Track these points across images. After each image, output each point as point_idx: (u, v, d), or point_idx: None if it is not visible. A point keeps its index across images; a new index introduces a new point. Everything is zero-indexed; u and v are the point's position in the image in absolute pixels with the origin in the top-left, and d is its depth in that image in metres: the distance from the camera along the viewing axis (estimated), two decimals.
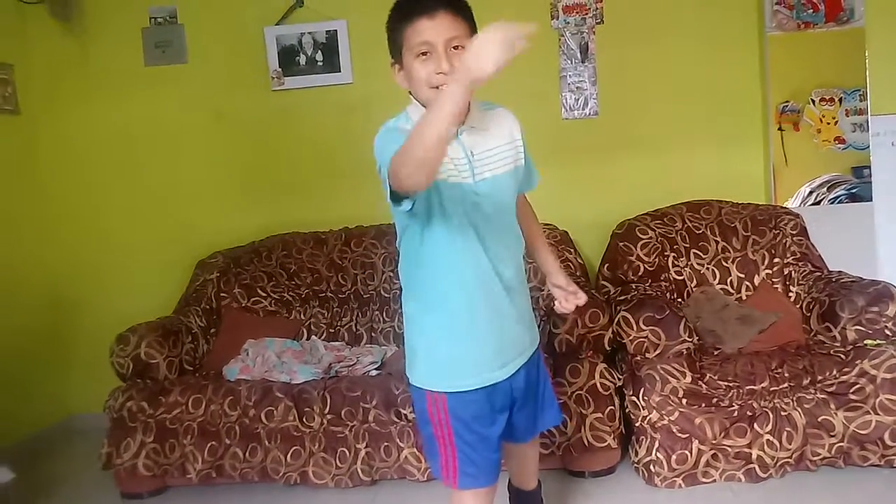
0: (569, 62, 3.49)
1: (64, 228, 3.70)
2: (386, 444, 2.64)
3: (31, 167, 3.65)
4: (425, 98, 1.49)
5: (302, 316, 3.31)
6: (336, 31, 3.52)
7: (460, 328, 1.60)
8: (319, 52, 3.55)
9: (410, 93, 1.59)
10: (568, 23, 3.47)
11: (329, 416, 2.65)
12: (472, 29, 1.49)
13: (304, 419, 2.65)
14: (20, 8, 3.62)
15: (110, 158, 3.66)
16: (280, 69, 3.56)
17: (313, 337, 3.22)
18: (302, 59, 3.56)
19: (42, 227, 3.67)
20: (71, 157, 3.69)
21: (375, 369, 2.90)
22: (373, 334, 3.27)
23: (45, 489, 2.96)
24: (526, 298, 1.73)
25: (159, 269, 3.62)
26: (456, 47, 1.43)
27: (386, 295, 3.29)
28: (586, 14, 3.46)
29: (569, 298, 1.77)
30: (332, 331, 3.28)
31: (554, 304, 1.82)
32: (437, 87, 1.44)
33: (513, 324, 1.66)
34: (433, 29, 1.42)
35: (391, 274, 3.29)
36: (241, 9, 3.58)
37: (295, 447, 2.66)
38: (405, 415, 2.62)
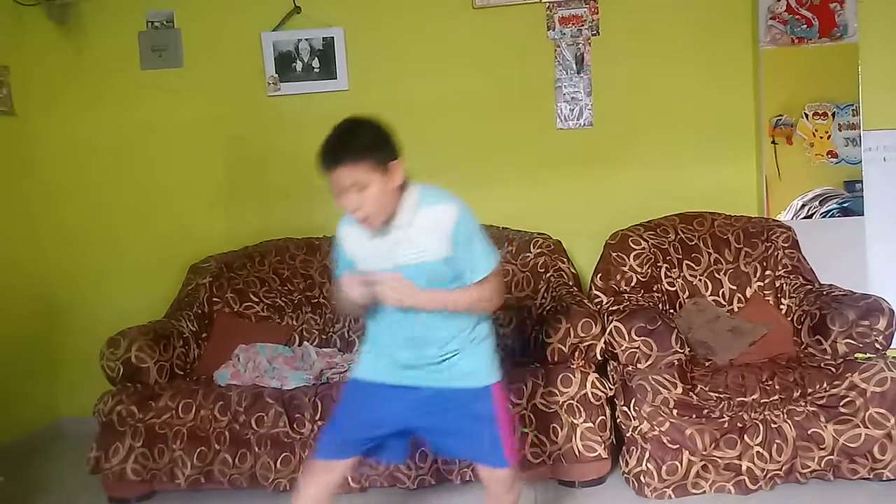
0: (564, 73, 3.51)
1: (57, 231, 3.69)
2: None
3: (24, 169, 3.63)
4: None
5: (294, 322, 3.31)
6: (333, 38, 3.53)
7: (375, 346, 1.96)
8: (316, 58, 3.56)
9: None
10: (564, 34, 3.49)
11: (320, 423, 2.63)
12: (378, 164, 1.75)
13: (295, 425, 2.64)
14: (17, 10, 3.61)
15: (104, 162, 3.65)
16: (276, 75, 3.56)
17: (305, 343, 3.22)
18: (298, 66, 3.57)
19: (35, 229, 3.66)
20: (65, 160, 3.68)
21: None
22: None
23: (32, 493, 2.94)
24: (452, 343, 1.87)
25: (152, 273, 3.61)
26: (361, 188, 1.73)
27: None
28: (582, 26, 3.48)
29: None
30: (324, 337, 3.27)
31: None
32: (360, 220, 1.78)
33: (413, 368, 1.88)
34: (335, 180, 1.75)
35: None
36: (238, 14, 3.59)
37: (285, 453, 2.65)
38: None
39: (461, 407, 1.87)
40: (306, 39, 3.55)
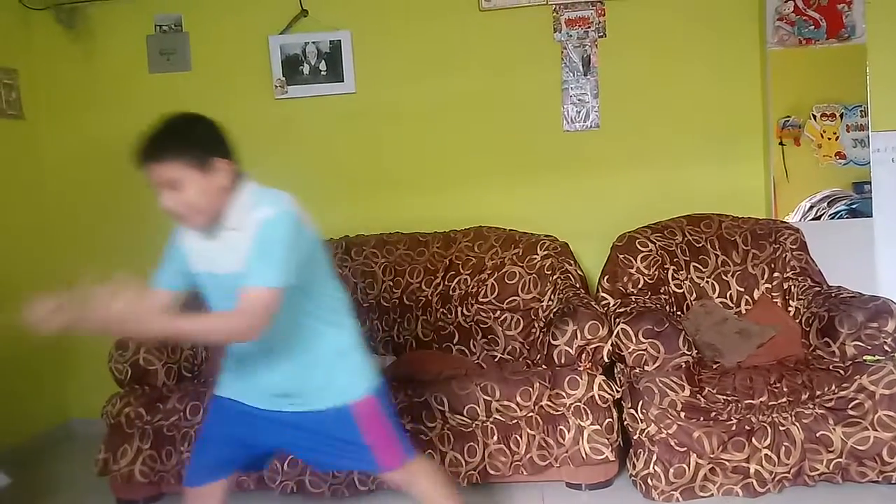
0: (571, 75, 3.51)
1: (66, 233, 3.71)
2: None
3: (34, 172, 3.66)
4: None
5: None
6: (340, 40, 3.54)
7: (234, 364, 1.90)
8: (323, 61, 3.57)
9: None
10: (570, 36, 3.49)
11: None
12: (193, 162, 1.67)
13: None
14: (26, 14, 3.64)
15: (113, 165, 3.63)
16: (283, 78, 3.58)
17: None
18: (305, 69, 3.58)
19: (44, 231, 3.68)
20: (74, 162, 3.70)
21: None
22: (371, 343, 3.26)
23: (41, 494, 2.95)
24: (295, 368, 1.81)
25: None
26: (174, 187, 1.67)
27: (385, 304, 3.29)
28: (589, 27, 3.48)
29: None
30: None
31: None
32: (177, 218, 1.72)
33: (261, 382, 1.83)
34: (149, 175, 1.68)
35: (391, 283, 3.30)
36: (245, 17, 3.60)
37: (292, 456, 2.65)
38: (403, 424, 2.60)
39: (324, 429, 1.82)
40: (313, 42, 3.56)
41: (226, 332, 1.72)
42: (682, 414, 2.50)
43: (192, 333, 1.74)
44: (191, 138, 1.72)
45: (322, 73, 3.57)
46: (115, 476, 2.73)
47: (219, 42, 3.62)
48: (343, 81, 3.56)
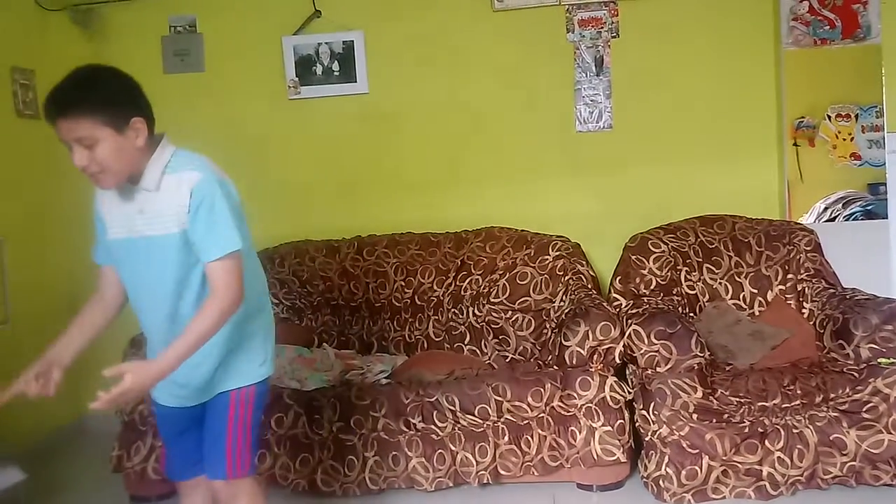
0: (584, 75, 3.50)
1: (84, 231, 3.73)
2: (394, 453, 2.64)
3: (50, 171, 3.68)
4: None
5: (313, 323, 3.32)
6: (353, 41, 3.55)
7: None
8: (336, 62, 3.58)
9: None
10: (583, 36, 3.49)
11: (338, 424, 2.65)
12: (106, 120, 1.58)
13: (314, 426, 2.66)
14: (42, 14, 3.67)
15: None
16: (297, 78, 3.59)
17: (324, 344, 3.23)
18: (318, 69, 3.59)
19: (62, 229, 3.71)
20: None
21: (385, 378, 2.91)
22: (383, 343, 3.27)
23: (55, 490, 2.98)
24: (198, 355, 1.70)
25: None
26: (87, 145, 1.57)
27: (397, 304, 3.30)
28: (602, 28, 3.48)
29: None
30: (342, 339, 3.29)
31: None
32: (89, 176, 1.63)
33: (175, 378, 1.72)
34: (60, 133, 1.58)
35: (402, 283, 3.31)
36: (259, 18, 3.62)
37: (304, 454, 2.66)
38: (414, 424, 2.62)
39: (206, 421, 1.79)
40: (326, 43, 3.58)
41: (219, 321, 1.63)
42: (695, 416, 2.49)
43: (199, 343, 1.61)
44: (107, 95, 1.62)
45: (335, 73, 3.59)
46: (129, 473, 2.76)
47: (233, 43, 3.64)
48: (356, 82, 3.57)
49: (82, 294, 3.79)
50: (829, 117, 3.33)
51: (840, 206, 3.34)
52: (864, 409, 2.47)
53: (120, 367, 1.61)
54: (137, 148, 1.62)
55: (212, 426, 1.79)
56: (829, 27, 3.31)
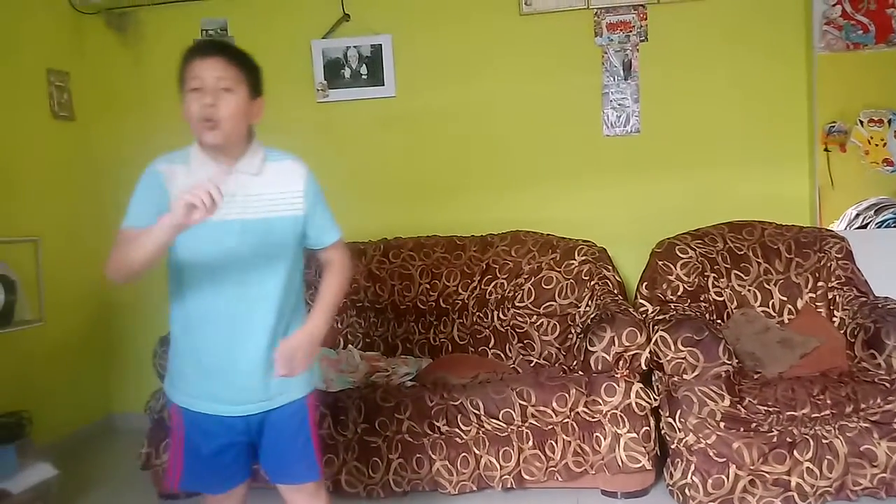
0: (611, 79, 3.49)
1: (114, 233, 3.79)
2: (418, 455, 2.66)
3: (83, 172, 3.76)
4: (193, 131, 1.66)
5: (339, 325, 3.35)
6: (381, 45, 3.57)
7: (195, 354, 1.73)
8: (364, 65, 3.61)
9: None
10: (612, 40, 3.47)
11: (363, 426, 2.67)
12: (250, 82, 1.67)
13: (339, 428, 2.68)
14: (78, 18, 3.75)
15: None
16: (325, 81, 3.62)
17: (350, 346, 3.26)
18: (347, 72, 3.62)
19: (93, 230, 3.78)
20: (122, 163, 3.76)
21: (410, 381, 2.92)
22: (408, 345, 3.28)
23: (85, 486, 3.03)
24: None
25: None
26: (225, 88, 1.62)
27: (422, 307, 3.31)
28: (630, 31, 3.46)
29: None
30: (367, 340, 3.31)
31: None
32: (207, 121, 1.61)
33: (243, 369, 1.70)
34: (203, 67, 1.62)
35: (428, 286, 3.32)
36: (289, 22, 3.66)
37: (328, 455, 2.68)
38: (438, 427, 2.63)
39: (285, 427, 1.78)
40: (355, 47, 3.60)
41: (347, 286, 1.84)
42: (722, 424, 2.47)
43: (337, 304, 1.77)
44: (254, 64, 1.73)
45: (363, 76, 3.61)
46: (158, 470, 2.79)
47: (262, 46, 3.61)
48: (383, 85, 3.59)
49: (115, 294, 3.90)
50: (862, 122, 3.28)
51: (872, 212, 3.28)
52: (895, 420, 2.43)
53: (288, 346, 1.66)
54: (251, 122, 1.70)
55: (296, 432, 1.78)
56: (862, 31, 3.26)
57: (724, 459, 2.46)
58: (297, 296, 1.80)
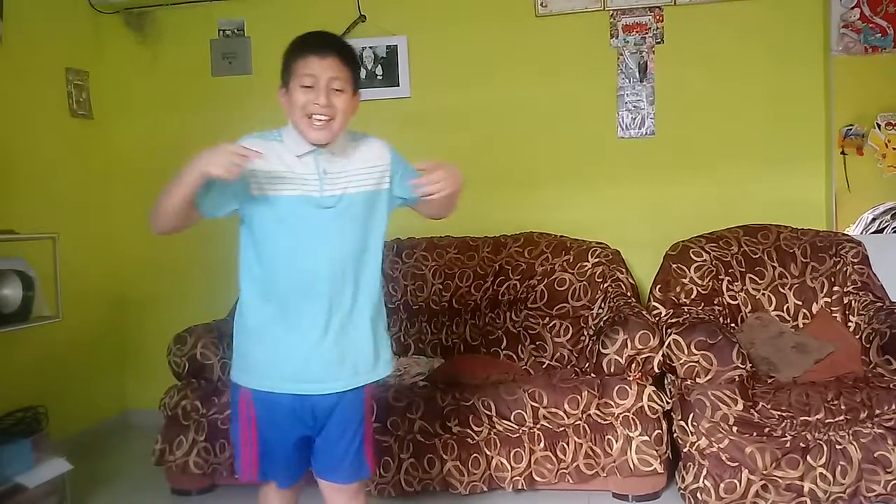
0: (627, 81, 3.48)
1: (131, 231, 3.84)
2: (430, 455, 2.66)
3: (101, 170, 3.80)
4: (296, 122, 1.70)
5: None
6: (396, 46, 3.59)
7: (275, 332, 1.71)
8: (379, 66, 3.62)
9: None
10: (627, 42, 3.47)
11: (375, 425, 2.67)
12: (354, 80, 1.72)
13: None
14: (97, 18, 3.79)
15: (177, 164, 3.75)
16: None
17: None
18: (362, 73, 3.62)
19: (111, 228, 3.82)
20: (140, 161, 3.82)
21: (422, 381, 2.92)
22: (420, 345, 3.29)
23: (99, 481, 3.06)
24: (362, 329, 1.75)
25: (217, 273, 3.71)
26: (336, 89, 1.67)
27: (435, 307, 3.32)
28: (646, 33, 3.45)
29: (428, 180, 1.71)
30: None
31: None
32: (310, 116, 1.66)
33: (326, 345, 1.70)
34: (320, 67, 1.65)
35: (440, 286, 3.32)
36: (305, 22, 3.62)
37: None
38: (450, 427, 2.63)
39: (348, 413, 1.78)
40: (370, 47, 3.62)
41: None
42: (735, 428, 2.46)
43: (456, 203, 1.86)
44: (358, 63, 1.77)
45: (378, 77, 3.63)
46: (171, 466, 2.82)
47: (279, 46, 3.62)
48: (398, 86, 3.61)
49: (131, 291, 3.93)
50: (879, 125, 3.26)
51: (889, 216, 3.26)
52: None
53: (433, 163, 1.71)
54: (350, 117, 1.72)
55: (355, 427, 1.78)
56: (880, 34, 3.24)
57: (737, 464, 2.45)
58: (379, 278, 1.81)
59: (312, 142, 1.69)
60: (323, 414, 1.74)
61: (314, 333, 1.69)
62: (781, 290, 3.03)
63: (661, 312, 2.96)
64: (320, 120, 1.66)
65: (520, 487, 2.65)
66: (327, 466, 1.80)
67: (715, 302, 3.01)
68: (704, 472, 2.47)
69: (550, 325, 3.16)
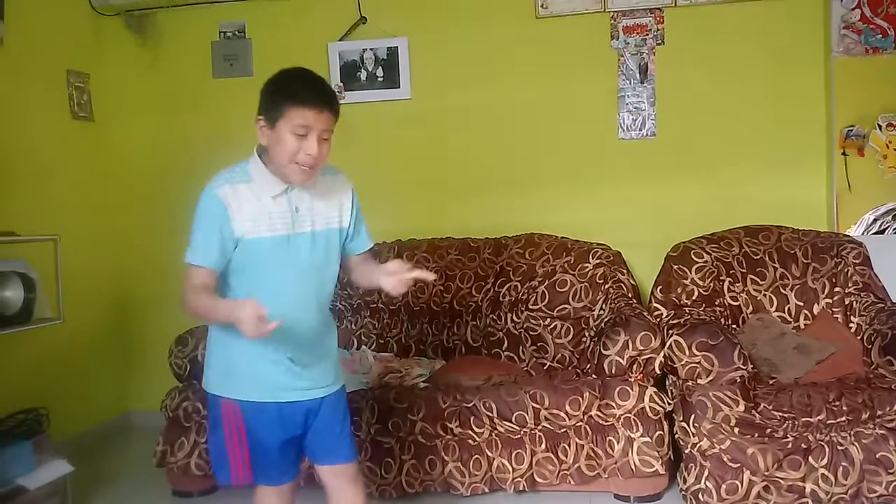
0: (627, 82, 3.48)
1: (133, 232, 3.84)
2: (431, 456, 2.66)
3: (102, 172, 3.80)
4: (281, 163, 1.72)
5: (353, 325, 3.37)
6: (397, 47, 3.59)
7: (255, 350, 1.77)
8: (380, 67, 3.62)
9: (258, 149, 1.81)
10: (628, 43, 3.47)
11: (376, 427, 2.68)
12: (336, 121, 1.77)
13: (352, 428, 2.68)
14: (98, 20, 3.79)
15: (178, 165, 3.78)
16: (341, 83, 3.64)
17: (363, 347, 3.27)
18: (363, 75, 3.64)
19: (112, 229, 3.82)
20: (141, 163, 3.83)
21: (423, 382, 2.92)
22: (421, 347, 3.29)
23: (100, 483, 3.06)
24: (328, 341, 1.93)
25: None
26: (325, 138, 1.73)
27: (436, 308, 3.32)
28: (647, 35, 3.45)
29: (401, 279, 1.80)
30: (381, 341, 3.32)
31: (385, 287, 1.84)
32: (297, 164, 1.70)
33: (304, 361, 1.83)
34: (316, 120, 1.69)
35: (441, 288, 3.32)
36: (306, 25, 3.68)
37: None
38: (451, 428, 2.63)
39: (335, 409, 1.93)
40: (371, 49, 3.62)
41: None
42: (736, 429, 2.45)
43: None
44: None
45: (379, 79, 3.63)
46: (172, 468, 2.82)
47: (280, 48, 3.70)
48: (399, 88, 3.61)
49: (132, 293, 3.93)
50: (880, 126, 3.26)
51: (890, 217, 3.26)
52: None
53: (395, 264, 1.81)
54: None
55: (342, 415, 1.92)
56: (881, 36, 3.24)
57: (739, 465, 2.44)
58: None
59: (296, 183, 1.76)
60: (311, 412, 1.85)
61: (291, 353, 1.80)
62: (783, 291, 3.02)
63: (662, 313, 2.96)
64: (310, 168, 1.72)
65: (521, 489, 2.65)
66: (327, 449, 1.89)
67: (716, 303, 3.01)
68: (706, 473, 2.47)
69: (551, 326, 3.16)
